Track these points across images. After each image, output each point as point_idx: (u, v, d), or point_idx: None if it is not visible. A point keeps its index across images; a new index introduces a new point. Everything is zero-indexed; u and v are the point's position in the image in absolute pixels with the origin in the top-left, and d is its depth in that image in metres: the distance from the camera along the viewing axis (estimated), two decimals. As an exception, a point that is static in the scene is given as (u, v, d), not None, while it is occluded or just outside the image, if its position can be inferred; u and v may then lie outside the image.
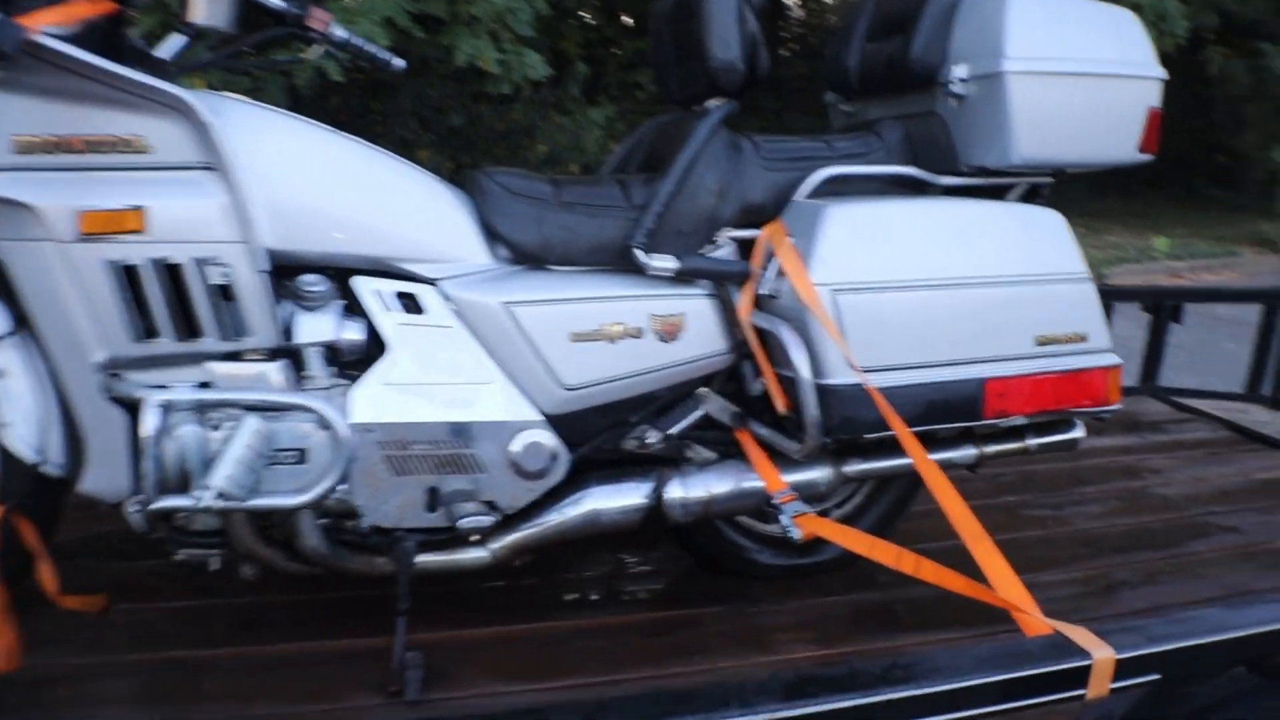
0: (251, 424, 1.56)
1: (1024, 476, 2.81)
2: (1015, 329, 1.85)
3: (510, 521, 1.79)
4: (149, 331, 1.56)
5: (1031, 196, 2.04)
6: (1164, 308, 3.53)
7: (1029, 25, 1.85)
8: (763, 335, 1.82)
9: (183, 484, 1.54)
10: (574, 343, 1.76)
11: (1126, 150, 1.97)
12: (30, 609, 1.62)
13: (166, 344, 1.57)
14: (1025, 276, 1.86)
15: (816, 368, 1.74)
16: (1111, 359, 1.94)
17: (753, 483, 1.90)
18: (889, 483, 2.16)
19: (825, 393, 1.75)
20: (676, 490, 1.87)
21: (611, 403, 1.83)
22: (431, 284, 1.72)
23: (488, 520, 1.74)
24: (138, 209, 1.50)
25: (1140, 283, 7.53)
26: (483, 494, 1.73)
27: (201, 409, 1.57)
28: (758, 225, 1.88)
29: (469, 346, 1.72)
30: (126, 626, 1.84)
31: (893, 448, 1.85)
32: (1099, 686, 1.47)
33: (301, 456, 1.60)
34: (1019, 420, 1.90)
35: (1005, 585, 1.66)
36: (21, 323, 1.57)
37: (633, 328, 1.79)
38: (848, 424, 1.76)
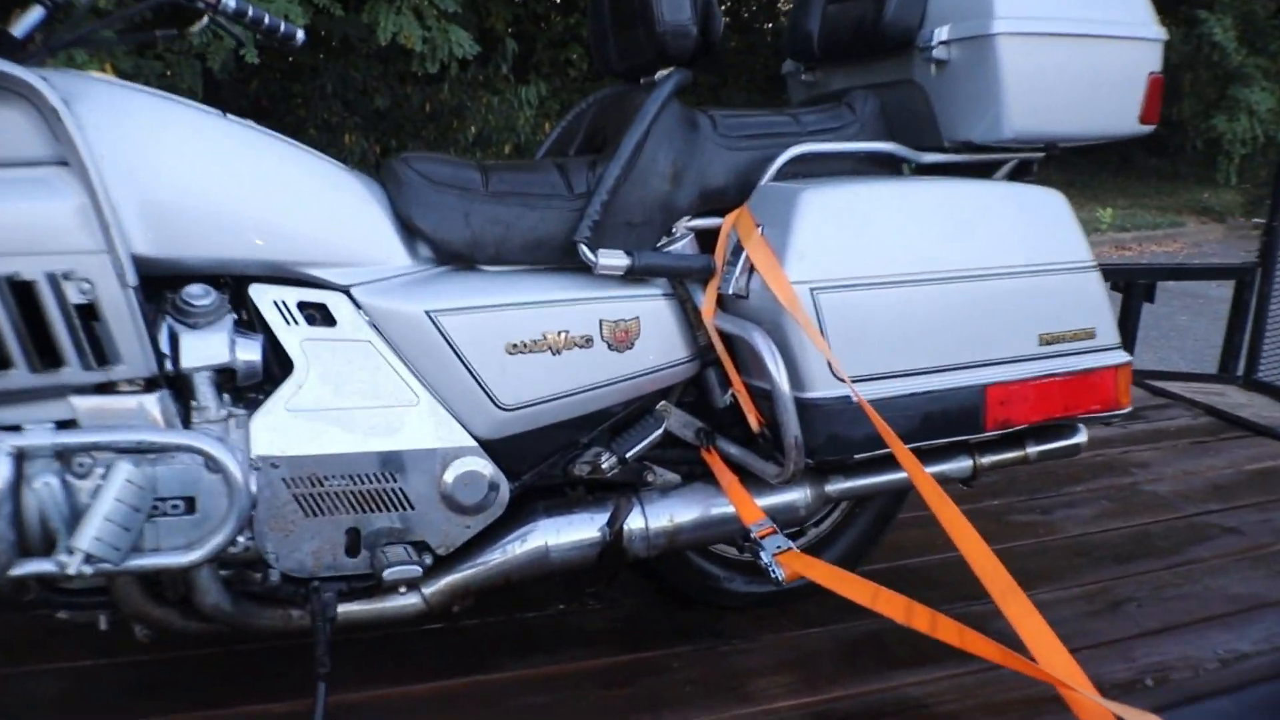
0: (123, 471, 1.36)
1: (1007, 475, 2.71)
2: (1017, 327, 1.71)
3: (446, 562, 1.63)
4: None
5: (1019, 173, 1.91)
6: (1135, 286, 3.48)
7: None
8: (730, 341, 1.68)
9: (47, 544, 1.36)
10: (511, 355, 1.59)
11: (1127, 121, 1.85)
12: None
13: (20, 376, 1.35)
14: (1027, 267, 1.72)
15: (795, 379, 1.58)
16: (1121, 356, 1.81)
17: (723, 508, 1.76)
18: (871, 497, 2.01)
19: (807, 408, 1.59)
20: (637, 521, 1.73)
21: (558, 423, 1.66)
22: (343, 291, 1.54)
23: (417, 567, 1.57)
24: None
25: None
26: (412, 533, 1.57)
27: (64, 454, 1.37)
28: (720, 213, 1.73)
29: (389, 363, 1.54)
30: (3, 694, 1.69)
31: (880, 462, 1.72)
32: None
33: (190, 506, 1.43)
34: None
35: (1048, 652, 1.40)
36: None
37: (579, 336, 1.63)
38: (835, 443, 1.61)
